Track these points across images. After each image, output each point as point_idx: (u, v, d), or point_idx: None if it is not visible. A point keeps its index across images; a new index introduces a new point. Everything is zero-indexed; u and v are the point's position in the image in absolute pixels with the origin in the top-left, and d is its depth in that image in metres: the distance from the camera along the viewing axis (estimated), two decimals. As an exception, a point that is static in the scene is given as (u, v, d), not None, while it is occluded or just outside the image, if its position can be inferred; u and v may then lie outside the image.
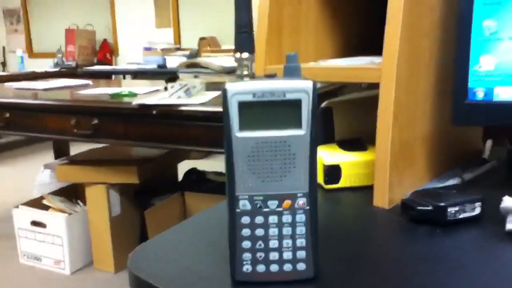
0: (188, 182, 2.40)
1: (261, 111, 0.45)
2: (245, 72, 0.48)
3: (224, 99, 0.44)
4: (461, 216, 0.61)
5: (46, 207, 2.29)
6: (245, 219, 0.47)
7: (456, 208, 0.60)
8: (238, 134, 0.45)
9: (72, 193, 2.44)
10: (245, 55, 0.48)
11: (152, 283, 0.49)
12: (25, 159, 4.48)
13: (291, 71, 0.46)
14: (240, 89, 0.44)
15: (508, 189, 0.69)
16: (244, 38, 0.48)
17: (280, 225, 0.47)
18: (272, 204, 0.46)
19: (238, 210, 0.47)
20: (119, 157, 2.27)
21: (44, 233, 2.23)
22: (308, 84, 0.44)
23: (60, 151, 2.95)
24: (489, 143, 0.96)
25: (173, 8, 5.30)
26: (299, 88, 0.44)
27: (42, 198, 2.34)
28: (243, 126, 0.45)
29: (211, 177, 2.42)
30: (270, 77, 0.45)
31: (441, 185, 0.75)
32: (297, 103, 0.44)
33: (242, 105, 0.44)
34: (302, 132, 0.45)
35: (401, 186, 0.70)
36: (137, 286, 0.51)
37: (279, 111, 0.45)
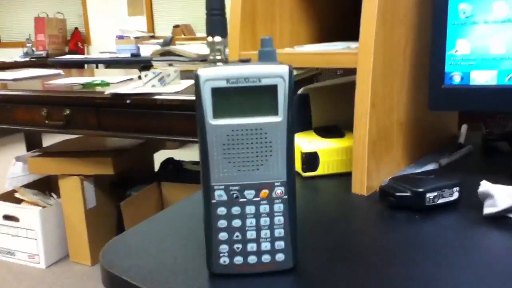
0: (164, 172, 2.37)
1: (235, 98, 0.43)
2: (218, 57, 0.46)
3: (196, 86, 0.43)
4: (440, 201, 0.60)
5: (18, 201, 2.23)
6: (221, 210, 0.45)
7: (435, 194, 0.60)
8: (212, 121, 0.43)
9: (45, 186, 2.39)
10: (218, 39, 0.45)
11: (125, 278, 0.47)
12: (-4, 151, 4.37)
13: (266, 56, 0.45)
14: (213, 75, 0.42)
15: (485, 173, 0.69)
16: (216, 21, 0.45)
17: (257, 215, 0.45)
18: (249, 194, 0.45)
19: (213, 201, 0.45)
20: (94, 148, 2.23)
21: (17, 227, 2.18)
22: (284, 69, 0.43)
23: (32, 143, 2.88)
24: (464, 127, 0.97)
25: (146, -5, 5.21)
26: (275, 73, 0.42)
27: (14, 191, 2.29)
28: (217, 114, 0.43)
29: (188, 166, 2.39)
30: (244, 62, 0.43)
31: (418, 170, 0.74)
32: (272, 89, 0.43)
33: (216, 92, 0.43)
34: (278, 119, 0.43)
35: (379, 173, 0.69)
36: (109, 282, 0.49)
37: (254, 97, 0.43)
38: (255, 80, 0.42)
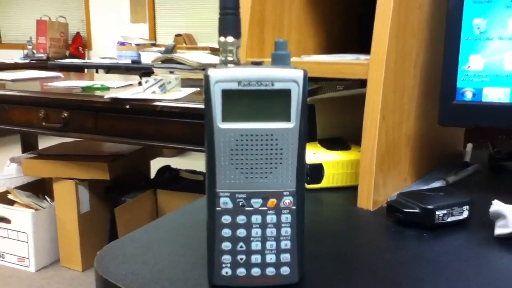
0: (160, 180, 2.34)
1: (246, 101, 0.41)
2: (230, 58, 0.44)
3: (206, 87, 0.41)
4: (449, 219, 0.58)
5: (11, 202, 2.20)
6: (226, 218, 0.43)
7: (444, 211, 0.58)
8: (221, 125, 0.41)
9: (39, 188, 2.35)
10: (230, 39, 0.43)
11: (120, 286, 0.45)
12: (-9, 152, 4.32)
13: (280, 59, 0.43)
14: (224, 76, 0.40)
15: (493, 192, 0.67)
16: (229, 21, 0.43)
17: (263, 225, 0.43)
18: (256, 202, 0.43)
19: (218, 209, 0.43)
20: (90, 152, 2.20)
21: (8, 228, 2.14)
22: (298, 73, 0.41)
23: (28, 145, 2.85)
24: (469, 146, 0.95)
25: (149, 3, 5.21)
26: (289, 77, 0.41)
27: (7, 192, 2.25)
28: (226, 117, 0.41)
29: (184, 175, 2.36)
30: (257, 64, 0.42)
31: (425, 187, 0.72)
32: (286, 94, 0.41)
33: (226, 94, 0.41)
34: (290, 125, 0.41)
35: (385, 188, 0.67)
36: (104, 290, 0.47)
37: (266, 101, 0.41)
38: (268, 84, 0.41)
